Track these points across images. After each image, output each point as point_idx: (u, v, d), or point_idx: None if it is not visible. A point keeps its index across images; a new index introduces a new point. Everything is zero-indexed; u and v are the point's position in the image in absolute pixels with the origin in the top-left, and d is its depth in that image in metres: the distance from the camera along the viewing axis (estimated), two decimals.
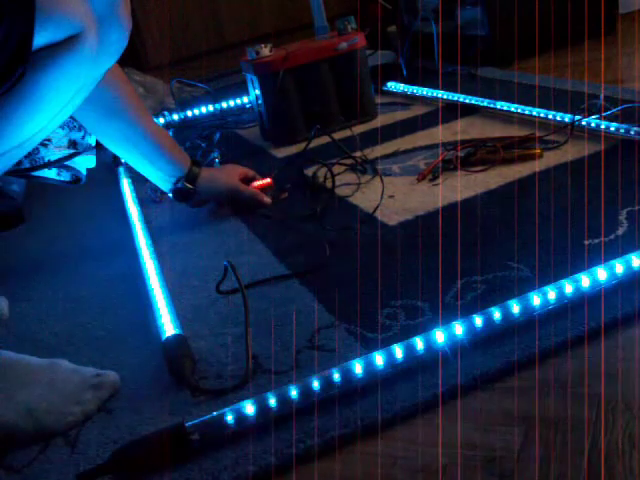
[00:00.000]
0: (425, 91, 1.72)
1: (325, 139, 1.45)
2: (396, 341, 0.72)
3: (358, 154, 1.35)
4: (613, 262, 0.77)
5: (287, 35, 2.65)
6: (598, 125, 1.22)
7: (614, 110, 1.25)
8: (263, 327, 0.84)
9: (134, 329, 0.92)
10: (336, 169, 1.29)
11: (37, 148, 0.92)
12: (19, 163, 0.90)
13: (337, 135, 1.47)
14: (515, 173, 1.15)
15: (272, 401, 0.67)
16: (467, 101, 1.56)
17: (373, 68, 1.77)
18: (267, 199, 1.23)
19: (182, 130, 1.85)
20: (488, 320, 0.73)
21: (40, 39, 0.58)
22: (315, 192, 1.24)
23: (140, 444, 0.66)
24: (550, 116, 1.33)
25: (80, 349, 0.90)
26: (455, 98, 1.60)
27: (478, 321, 0.72)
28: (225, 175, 1.23)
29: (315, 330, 0.82)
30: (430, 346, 0.71)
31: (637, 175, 1.04)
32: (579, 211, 0.97)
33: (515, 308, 0.73)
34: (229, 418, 0.66)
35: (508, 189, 1.10)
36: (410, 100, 1.75)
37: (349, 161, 1.34)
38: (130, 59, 2.56)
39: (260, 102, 1.59)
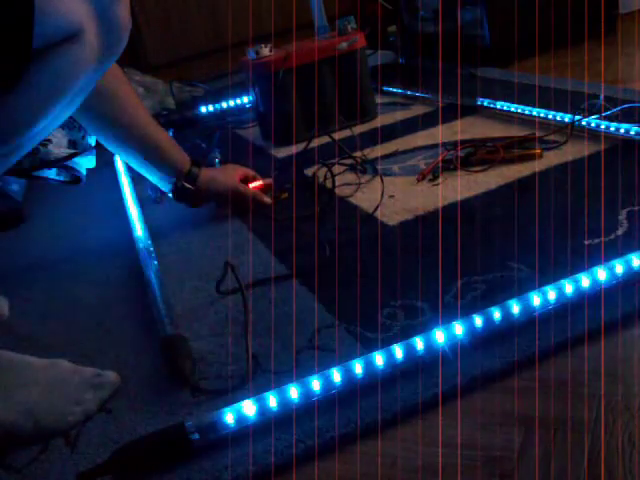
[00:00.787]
0: (425, 91, 1.72)
1: (325, 139, 1.45)
2: (396, 341, 0.72)
3: (358, 154, 1.35)
4: (613, 262, 0.77)
5: (287, 35, 2.65)
6: (598, 125, 1.22)
7: (614, 110, 1.25)
8: (263, 327, 0.84)
9: (134, 329, 0.92)
10: (336, 169, 1.29)
11: (37, 148, 0.92)
12: (19, 163, 0.90)
13: (337, 135, 1.48)
14: (515, 173, 1.15)
15: (272, 401, 0.67)
16: (467, 101, 1.56)
17: (373, 68, 1.77)
18: (267, 199, 1.23)
19: (182, 130, 1.85)
20: (488, 320, 0.73)
21: (39, 39, 0.58)
22: (315, 192, 1.24)
23: (140, 444, 0.66)
24: (550, 116, 1.33)
25: (80, 349, 0.90)
26: (455, 98, 1.60)
27: (478, 321, 0.72)
28: (225, 175, 1.23)
29: (315, 330, 0.81)
30: (430, 346, 0.71)
31: (637, 175, 1.04)
32: (579, 211, 0.97)
33: (515, 308, 0.73)
34: (229, 418, 0.66)
35: (508, 189, 1.10)
36: (410, 100, 1.75)
37: (349, 161, 1.34)
38: (130, 59, 2.56)
39: (260, 102, 1.59)
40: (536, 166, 1.16)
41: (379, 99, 1.76)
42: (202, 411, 0.71)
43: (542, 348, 0.70)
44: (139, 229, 1.18)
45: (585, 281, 0.75)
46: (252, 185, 1.25)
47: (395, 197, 1.16)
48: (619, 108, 1.26)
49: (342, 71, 1.58)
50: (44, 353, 0.83)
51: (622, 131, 1.17)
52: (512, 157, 1.19)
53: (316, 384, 0.68)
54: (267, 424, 0.67)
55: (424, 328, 0.74)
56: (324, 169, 1.28)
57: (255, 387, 0.73)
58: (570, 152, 1.18)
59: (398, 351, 0.70)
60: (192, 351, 0.81)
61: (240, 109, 1.96)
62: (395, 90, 1.84)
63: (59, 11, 0.59)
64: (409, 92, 1.78)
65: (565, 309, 0.74)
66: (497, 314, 0.73)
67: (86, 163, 1.03)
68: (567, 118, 1.27)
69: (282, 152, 1.55)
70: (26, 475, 0.68)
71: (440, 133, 1.44)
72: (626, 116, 1.24)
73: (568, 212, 0.97)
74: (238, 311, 0.88)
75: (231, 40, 2.78)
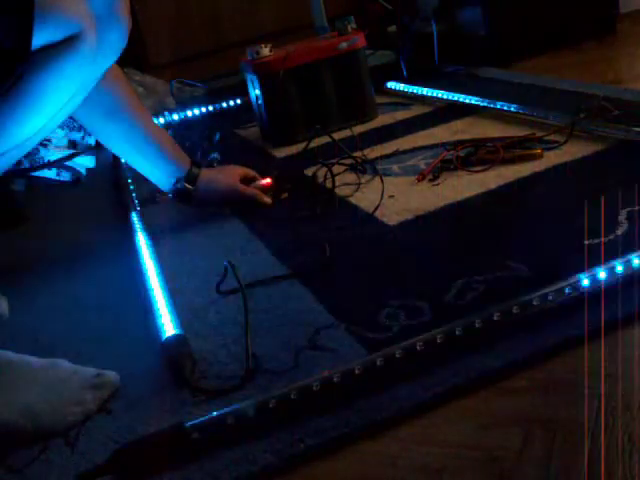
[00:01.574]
0: (425, 91, 1.72)
1: (325, 139, 1.45)
2: (396, 341, 0.72)
3: (358, 154, 1.35)
4: (613, 262, 0.77)
5: (287, 35, 2.65)
6: (598, 125, 1.22)
7: (614, 110, 1.25)
8: (263, 327, 0.84)
9: (134, 329, 0.92)
10: (336, 169, 1.29)
11: (37, 148, 0.92)
12: (19, 163, 0.90)
13: (337, 135, 1.47)
14: (515, 173, 1.15)
15: (272, 401, 0.67)
16: (467, 101, 1.56)
17: (373, 68, 1.77)
18: (267, 199, 1.23)
19: (182, 130, 1.85)
20: (488, 320, 0.73)
21: (39, 39, 0.58)
22: (315, 192, 1.24)
23: (140, 444, 0.66)
24: (550, 116, 1.33)
25: (80, 349, 0.89)
26: (455, 98, 1.60)
27: (478, 321, 0.72)
28: (225, 175, 1.23)
29: (315, 330, 0.81)
30: (430, 346, 0.71)
31: (637, 175, 1.04)
32: (579, 211, 0.97)
33: (515, 308, 0.73)
34: (229, 418, 0.66)
35: (508, 189, 1.10)
36: (410, 100, 1.75)
37: (349, 161, 1.33)
38: (130, 59, 2.55)
39: (260, 102, 1.60)
40: (536, 166, 1.16)
41: (379, 99, 1.76)
42: (202, 411, 0.71)
43: (542, 348, 0.70)
44: (139, 229, 1.18)
45: (585, 281, 0.75)
46: (252, 185, 1.25)
47: (395, 197, 1.16)
48: (619, 108, 1.25)
49: (342, 71, 1.58)
50: (44, 353, 0.83)
51: (622, 131, 1.17)
52: (512, 157, 1.19)
53: (316, 384, 0.68)
54: (267, 424, 0.67)
55: (424, 328, 0.74)
56: (324, 169, 1.28)
57: (255, 387, 0.73)
58: (570, 152, 1.18)
59: (398, 351, 0.70)
60: (192, 351, 0.81)
61: (240, 109, 1.96)
62: (395, 90, 1.84)
63: (59, 11, 0.59)
64: (409, 92, 1.78)
65: (565, 309, 0.74)
66: (497, 314, 0.73)
67: (86, 163, 1.03)
68: (567, 118, 1.27)
69: (282, 152, 1.55)
70: (26, 475, 0.68)
71: (440, 133, 1.44)
72: (626, 116, 1.24)
73: (568, 212, 0.97)
74: (238, 311, 0.88)
75: (231, 40, 2.78)
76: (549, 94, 1.55)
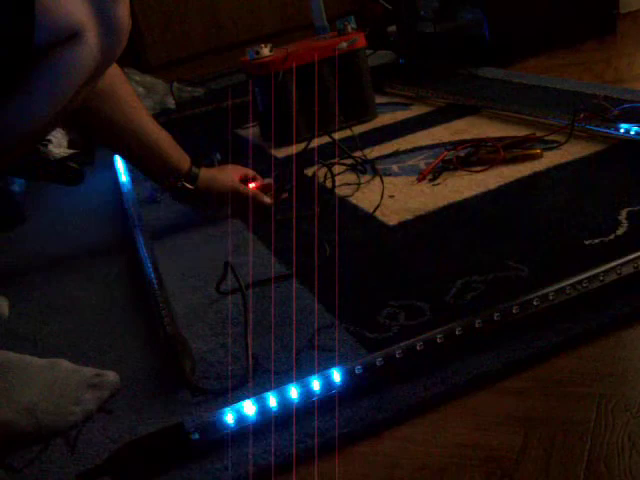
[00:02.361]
0: (425, 91, 1.72)
1: (325, 139, 1.45)
2: (396, 341, 0.72)
3: (358, 154, 1.35)
4: (613, 262, 0.77)
5: (287, 35, 2.65)
6: (598, 125, 1.22)
7: (614, 110, 1.25)
8: (263, 327, 0.84)
9: (134, 329, 0.92)
10: (336, 169, 1.29)
11: (37, 148, 0.92)
12: (19, 163, 0.90)
13: (337, 135, 1.47)
14: (515, 173, 1.15)
15: (272, 401, 0.67)
16: (467, 101, 1.56)
17: (373, 68, 1.77)
18: (267, 199, 1.23)
19: (182, 130, 1.85)
20: (487, 320, 0.73)
21: (40, 39, 0.58)
22: (315, 192, 1.24)
23: (140, 444, 0.66)
24: (550, 116, 1.33)
25: (80, 349, 0.90)
26: (455, 98, 1.60)
27: (477, 321, 0.72)
28: (225, 175, 1.23)
29: (315, 330, 0.81)
30: (430, 346, 0.71)
31: (637, 175, 1.04)
32: (579, 211, 0.97)
33: (515, 308, 0.73)
34: (229, 418, 0.66)
35: (508, 189, 1.10)
36: (410, 100, 1.75)
37: (349, 161, 1.34)
38: (130, 59, 2.56)
39: (260, 102, 1.59)
40: (536, 166, 1.16)
41: (379, 99, 1.76)
42: (202, 411, 0.71)
43: (542, 348, 0.70)
44: (139, 229, 1.18)
45: (585, 281, 0.75)
46: (252, 185, 1.25)
47: (395, 197, 1.16)
48: (619, 108, 1.26)
49: (342, 71, 1.58)
50: (44, 353, 0.83)
51: (622, 131, 1.17)
52: (512, 157, 1.19)
53: (316, 384, 0.68)
54: (267, 424, 0.67)
55: (424, 328, 0.74)
56: (324, 169, 1.28)
57: (255, 387, 0.73)
58: (570, 152, 1.18)
59: (397, 351, 0.70)
60: (192, 351, 0.81)
61: (240, 109, 1.96)
62: (395, 90, 1.84)
63: (59, 11, 0.59)
64: (409, 92, 1.78)
65: (565, 309, 0.74)
66: (497, 314, 0.73)
67: (86, 163, 1.03)
68: (567, 118, 1.27)
69: (282, 152, 1.55)
70: (26, 475, 0.68)
71: (440, 133, 1.44)
72: (626, 116, 1.24)
73: (568, 212, 0.97)
74: (238, 311, 0.88)
75: (231, 40, 2.79)
76: (549, 94, 1.55)
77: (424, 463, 0.60)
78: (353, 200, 1.19)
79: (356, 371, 0.69)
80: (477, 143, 1.26)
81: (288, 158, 1.49)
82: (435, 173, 1.20)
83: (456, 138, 1.37)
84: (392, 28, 2.23)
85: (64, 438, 0.72)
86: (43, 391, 0.74)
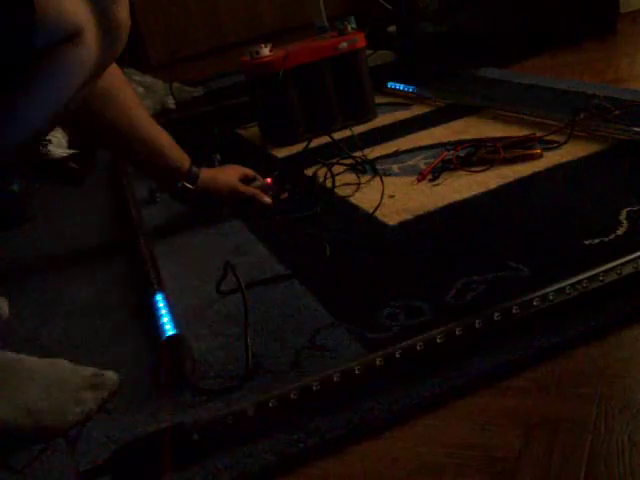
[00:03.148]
0: (425, 91, 1.72)
1: (325, 139, 1.45)
2: (396, 341, 0.72)
3: (358, 154, 1.35)
4: (613, 262, 0.77)
5: (287, 35, 2.65)
6: (598, 125, 1.22)
7: (614, 110, 1.25)
8: (263, 327, 0.84)
9: (134, 329, 0.92)
10: (336, 169, 1.29)
11: (37, 148, 0.92)
12: (19, 163, 0.90)
13: (337, 135, 1.47)
14: (515, 173, 1.15)
15: (272, 401, 0.67)
16: (467, 101, 1.56)
17: (373, 68, 1.77)
18: (267, 199, 1.23)
19: (182, 130, 1.85)
20: (488, 320, 0.73)
21: (39, 39, 0.58)
22: (315, 192, 1.24)
23: (140, 444, 0.66)
24: (550, 116, 1.33)
25: (80, 349, 0.90)
26: (455, 98, 1.60)
27: (478, 321, 0.72)
28: (225, 175, 1.23)
29: (315, 330, 0.81)
30: (430, 346, 0.71)
31: (637, 175, 1.04)
32: (579, 211, 0.97)
33: (515, 308, 0.73)
34: (229, 418, 0.66)
35: (508, 189, 1.10)
36: (410, 100, 1.75)
37: (349, 161, 1.34)
38: (130, 59, 2.56)
39: (260, 102, 1.59)
40: (536, 166, 1.16)
41: (379, 99, 1.76)
42: (202, 411, 0.71)
43: (542, 348, 0.70)
44: (139, 229, 1.18)
45: (585, 281, 0.75)
46: (252, 185, 1.25)
47: (395, 197, 1.16)
48: (619, 108, 1.25)
49: (342, 71, 1.58)
50: (44, 353, 0.83)
51: (622, 131, 1.17)
52: (512, 157, 1.19)
53: (316, 384, 0.68)
54: (267, 424, 0.67)
55: (424, 328, 0.74)
56: (324, 169, 1.28)
57: (255, 387, 0.73)
58: (570, 152, 1.18)
59: (398, 351, 0.70)
60: (192, 351, 0.81)
61: (240, 109, 1.96)
62: (395, 90, 1.84)
63: (59, 12, 0.59)
64: (409, 92, 1.78)
65: (565, 309, 0.74)
66: (497, 314, 0.73)
67: (86, 163, 1.03)
68: (567, 118, 1.27)
69: (282, 152, 1.55)
70: (26, 475, 0.68)
71: (440, 133, 1.44)
72: (626, 116, 1.24)
73: (568, 212, 0.97)
74: (238, 311, 0.88)
75: (231, 40, 2.79)
76: (549, 94, 1.55)
77: (424, 463, 0.60)
78: (353, 200, 1.19)
79: (356, 371, 0.69)
80: (477, 143, 1.26)
81: (288, 158, 1.49)
82: (435, 173, 1.20)
83: (456, 138, 1.37)
84: (392, 28, 2.22)
85: (64, 438, 0.72)
86: (43, 391, 0.74)
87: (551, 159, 1.17)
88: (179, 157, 1.17)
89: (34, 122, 0.66)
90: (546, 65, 1.83)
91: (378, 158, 1.36)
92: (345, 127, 1.56)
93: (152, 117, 1.18)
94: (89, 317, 0.98)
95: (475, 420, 0.63)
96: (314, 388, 0.68)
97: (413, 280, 0.88)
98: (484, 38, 1.95)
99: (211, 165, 1.41)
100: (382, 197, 1.14)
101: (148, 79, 2.21)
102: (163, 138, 1.16)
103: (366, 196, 1.19)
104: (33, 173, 1.21)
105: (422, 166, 1.27)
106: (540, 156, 1.18)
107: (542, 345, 0.70)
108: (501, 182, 1.13)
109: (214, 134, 1.70)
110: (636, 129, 1.15)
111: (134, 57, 2.65)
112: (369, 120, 1.64)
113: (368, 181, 1.26)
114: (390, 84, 1.87)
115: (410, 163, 1.31)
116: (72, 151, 1.33)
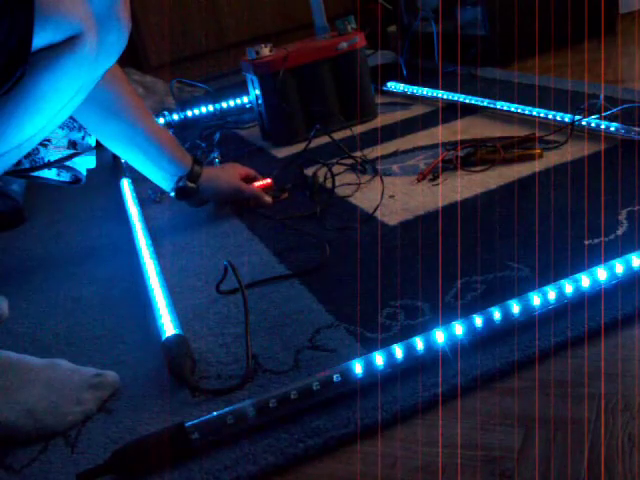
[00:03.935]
0: (425, 91, 1.72)
1: (325, 139, 1.45)
2: (396, 341, 0.72)
3: (358, 154, 1.35)
4: (613, 262, 0.77)
5: (287, 35, 2.65)
6: (598, 125, 1.22)
7: (614, 110, 1.25)
8: (263, 327, 0.84)
9: (134, 329, 0.92)
10: (336, 169, 1.29)
11: (37, 148, 0.92)
12: (19, 163, 0.90)
13: (337, 135, 1.47)
14: (515, 173, 1.15)
15: (272, 401, 0.67)
16: (467, 101, 1.56)
17: (373, 68, 1.77)
18: (267, 199, 1.23)
19: (182, 130, 1.85)
20: (488, 320, 0.73)
21: (40, 40, 0.58)
22: (315, 192, 1.24)
23: (140, 444, 0.66)
24: (550, 116, 1.33)
25: (80, 349, 0.90)
26: (455, 98, 1.60)
27: (478, 321, 0.72)
28: (226, 174, 1.23)
29: (315, 330, 0.81)
30: (430, 346, 0.71)
31: (637, 175, 1.04)
32: (579, 211, 0.97)
33: (515, 308, 0.73)
34: (229, 418, 0.66)
35: (508, 189, 1.10)
36: (410, 100, 1.75)
37: (349, 161, 1.34)
38: (130, 59, 2.56)
39: (260, 102, 1.60)
40: (536, 166, 1.16)
41: (379, 99, 1.76)
42: (202, 411, 0.71)
43: (542, 348, 0.70)
44: (139, 229, 1.18)
45: (585, 281, 0.75)
46: (252, 185, 1.25)
47: (395, 197, 1.16)
48: (619, 108, 1.26)
49: (342, 71, 1.58)
50: (44, 353, 0.83)
51: (622, 131, 1.17)
52: (512, 157, 1.19)
53: (316, 384, 0.68)
54: (267, 424, 0.67)
55: (424, 328, 0.74)
56: (324, 169, 1.28)
57: (255, 387, 0.73)
58: (570, 152, 1.18)
59: (398, 351, 0.70)
60: (192, 351, 0.81)
61: (240, 109, 1.96)
62: (395, 90, 1.84)
63: (59, 12, 0.59)
64: (409, 92, 1.78)
65: (565, 309, 0.74)
66: (497, 314, 0.73)
67: (86, 163, 1.03)
68: (567, 118, 1.27)
69: (282, 152, 1.55)
70: (26, 475, 0.68)
71: (440, 133, 1.44)
72: (626, 116, 1.24)
73: (568, 212, 0.97)
74: (238, 311, 0.88)
75: (231, 40, 2.79)
76: (549, 94, 1.55)
77: (424, 463, 0.60)
78: (353, 200, 1.19)
79: (355, 371, 0.69)
80: (477, 143, 1.26)
81: (288, 158, 1.49)
82: (435, 173, 1.21)
83: (456, 138, 1.37)
84: (392, 28, 2.22)
85: (64, 438, 0.72)
86: (43, 391, 0.74)
87: (551, 159, 1.17)
88: (180, 156, 1.17)
89: (33, 123, 0.66)
90: (546, 65, 1.83)
91: (378, 158, 1.36)
92: (345, 127, 1.56)
93: (153, 117, 1.18)
94: (89, 317, 0.98)
95: (475, 420, 0.63)
96: (314, 388, 0.68)
97: (413, 280, 0.88)
98: (484, 38, 1.95)
99: (211, 165, 1.41)
100: (382, 197, 1.14)
101: (148, 79, 2.21)
102: (164, 137, 1.16)
103: (366, 196, 1.19)
104: (33, 173, 1.21)
105: (422, 166, 1.27)
106: (540, 156, 1.19)
107: (542, 345, 0.70)
108: (501, 182, 1.13)
109: (214, 134, 1.69)
110: (636, 129, 1.15)
111: (134, 57, 2.66)
112: (369, 120, 1.64)
113: (368, 181, 1.26)
114: (390, 84, 1.87)
115: (410, 163, 1.31)
116: (72, 151, 1.33)
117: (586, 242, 0.88)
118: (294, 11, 2.80)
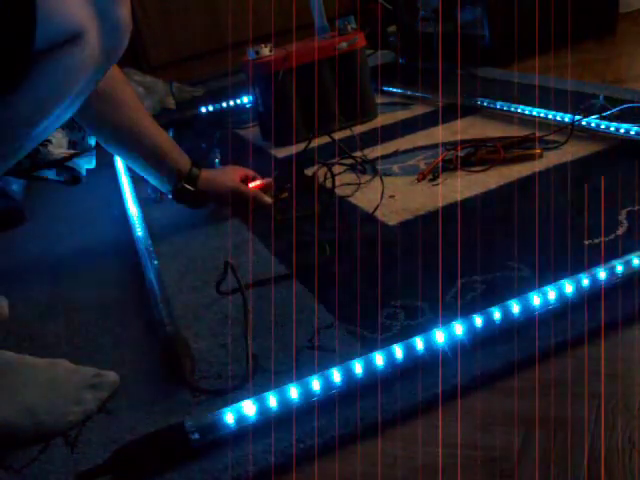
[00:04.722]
0: (425, 91, 1.72)
1: (325, 139, 1.45)
2: (396, 341, 0.72)
3: (358, 154, 1.35)
4: (613, 262, 0.77)
5: (287, 35, 2.65)
6: (598, 125, 1.22)
7: (614, 110, 1.25)
8: (263, 327, 0.84)
9: (134, 329, 0.92)
10: (336, 169, 1.29)
11: (37, 148, 0.92)
12: (19, 163, 0.90)
13: (337, 135, 1.47)
14: (515, 173, 1.15)
15: (272, 401, 0.67)
16: (467, 101, 1.56)
17: (373, 68, 1.77)
18: (267, 199, 1.23)
19: (182, 130, 1.85)
20: (488, 320, 0.73)
21: (41, 41, 0.58)
22: (315, 192, 1.24)
23: (140, 444, 0.66)
24: (550, 116, 1.33)
25: (80, 349, 0.90)
26: (456, 98, 1.60)
27: (478, 321, 0.72)
28: (225, 176, 1.23)
29: (315, 330, 0.81)
30: (430, 346, 0.71)
31: (637, 175, 1.04)
32: (579, 211, 0.97)
33: (515, 308, 0.73)
34: (229, 418, 0.66)
35: (508, 189, 1.10)
36: (410, 100, 1.75)
37: (349, 161, 1.34)
38: (130, 59, 2.56)
39: (260, 102, 1.60)
40: (536, 166, 1.16)
41: (379, 99, 1.76)
42: (202, 411, 0.71)
43: (542, 348, 0.70)
44: (139, 229, 1.18)
45: (585, 281, 0.75)
46: (252, 185, 1.25)
47: (395, 197, 1.16)
48: (619, 108, 1.25)
49: (342, 71, 1.58)
50: (44, 353, 0.83)
51: (622, 131, 1.17)
52: (512, 157, 1.19)
53: (316, 384, 0.68)
54: (267, 424, 0.67)
55: (424, 328, 0.74)
56: (324, 169, 1.28)
57: (255, 387, 0.73)
58: (570, 152, 1.18)
59: (398, 351, 0.70)
60: (192, 351, 0.81)
61: (240, 109, 1.96)
62: (395, 90, 1.84)
63: (60, 13, 0.59)
64: (409, 92, 1.78)
65: (565, 309, 0.74)
66: (497, 314, 0.73)
67: (86, 163, 1.03)
68: (567, 118, 1.27)
69: (282, 152, 1.55)
70: (26, 475, 0.68)
71: (440, 133, 1.44)
72: (626, 116, 1.24)
73: (568, 212, 0.97)
74: (238, 311, 0.88)
75: (231, 40, 2.78)
76: (549, 94, 1.55)
77: (424, 463, 0.60)
78: (353, 200, 1.19)
79: (355, 371, 0.69)
80: (477, 143, 1.26)
81: (288, 158, 1.49)
82: (435, 173, 1.20)
83: (456, 138, 1.37)
84: (392, 28, 2.22)
85: (64, 438, 0.72)
86: (43, 391, 0.74)
87: (551, 159, 1.17)
88: (179, 158, 1.17)
89: (34, 123, 0.66)
90: (546, 65, 1.83)
91: (378, 158, 1.36)
92: (345, 127, 1.56)
93: (152, 118, 1.18)
94: (89, 317, 0.98)
95: (475, 420, 0.63)
96: (314, 388, 0.68)
97: (413, 280, 0.88)
98: (484, 38, 1.95)
99: (211, 166, 1.41)
100: (382, 197, 1.14)
101: (148, 79, 2.21)
102: (163, 139, 1.16)
103: (366, 196, 1.19)
104: (33, 173, 1.21)
105: (422, 166, 1.27)
106: (540, 156, 1.18)
107: (542, 345, 0.70)
108: (501, 182, 1.13)
109: (214, 134, 1.69)
110: (636, 129, 1.15)
111: (134, 57, 2.65)
112: (369, 120, 1.64)
113: (368, 181, 1.26)
114: (390, 84, 1.87)
115: (410, 163, 1.31)
116: (72, 151, 1.33)
117: (586, 242, 0.88)
118: (294, 11, 2.80)
